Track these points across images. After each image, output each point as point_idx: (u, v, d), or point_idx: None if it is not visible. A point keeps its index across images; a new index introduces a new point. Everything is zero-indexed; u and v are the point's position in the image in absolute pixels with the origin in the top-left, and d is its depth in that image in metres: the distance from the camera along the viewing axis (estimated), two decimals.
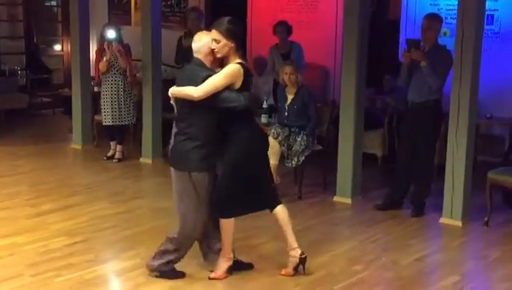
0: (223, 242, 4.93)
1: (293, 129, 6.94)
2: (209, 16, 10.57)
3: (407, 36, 7.84)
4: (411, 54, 6.33)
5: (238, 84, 4.68)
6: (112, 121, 8.23)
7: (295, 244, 4.99)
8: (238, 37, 4.76)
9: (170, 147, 4.87)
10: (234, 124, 4.76)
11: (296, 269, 5.02)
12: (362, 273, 5.14)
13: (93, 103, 9.13)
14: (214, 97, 4.61)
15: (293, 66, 7.12)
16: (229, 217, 4.87)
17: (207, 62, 4.72)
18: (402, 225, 6.33)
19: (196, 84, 4.59)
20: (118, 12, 11.76)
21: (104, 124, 8.35)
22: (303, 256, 4.98)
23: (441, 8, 8.50)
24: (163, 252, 4.87)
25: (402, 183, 6.68)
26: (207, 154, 4.68)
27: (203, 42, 4.70)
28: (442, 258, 5.64)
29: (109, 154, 8.49)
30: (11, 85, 11.21)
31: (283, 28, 8.68)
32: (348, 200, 6.88)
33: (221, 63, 4.77)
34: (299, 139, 6.88)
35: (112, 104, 8.17)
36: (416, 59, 6.30)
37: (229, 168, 4.74)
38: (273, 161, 6.88)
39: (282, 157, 6.93)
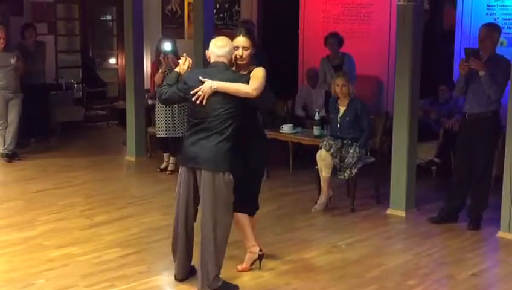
0: (249, 235, 5.16)
1: (345, 141, 6.87)
2: (261, 29, 10.62)
3: (463, 46, 7.70)
4: (469, 63, 6.19)
5: None
6: (166, 133, 8.30)
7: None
8: None
9: (194, 149, 4.77)
10: (255, 124, 5.05)
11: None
12: (417, 288, 5.04)
13: (147, 115, 9.24)
14: (262, 96, 4.76)
15: (345, 77, 7.07)
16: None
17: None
18: (458, 238, 6.19)
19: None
20: (172, 26, 11.89)
21: (157, 136, 8.43)
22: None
23: (498, 18, 8.31)
24: (207, 272, 4.80)
25: (458, 195, 6.54)
26: (233, 154, 4.77)
27: (230, 48, 4.80)
28: (500, 273, 5.50)
29: (162, 166, 8.57)
30: (68, 98, 11.43)
31: (334, 40, 8.65)
32: (402, 213, 6.77)
33: None
34: (351, 151, 6.82)
35: (165, 117, 8.25)
36: (475, 68, 6.17)
37: (260, 165, 5.07)
38: (325, 173, 6.85)
39: (335, 170, 6.87)
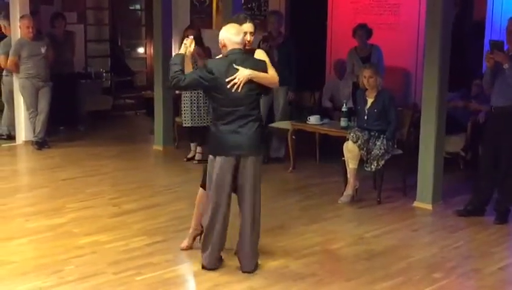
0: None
1: (372, 133, 6.85)
2: (289, 19, 10.59)
3: (492, 38, 7.61)
4: (494, 55, 6.14)
5: None
6: (192, 123, 8.34)
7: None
8: None
9: (235, 138, 4.85)
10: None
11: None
12: (442, 281, 5.02)
13: (175, 104, 9.29)
14: None
15: (372, 69, 7.04)
16: None
17: None
18: (485, 232, 6.15)
19: (263, 71, 4.87)
20: (200, 16, 11.92)
21: (184, 125, 8.48)
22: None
23: None
24: (257, 253, 5.06)
25: (485, 189, 6.49)
26: None
27: (242, 34, 4.93)
28: None
29: (189, 155, 8.62)
30: (97, 87, 11.53)
31: (363, 32, 8.59)
32: (429, 206, 6.74)
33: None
34: (378, 143, 6.80)
35: (191, 106, 8.29)
36: (499, 61, 6.11)
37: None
38: (352, 165, 6.84)
39: (362, 162, 6.86)
